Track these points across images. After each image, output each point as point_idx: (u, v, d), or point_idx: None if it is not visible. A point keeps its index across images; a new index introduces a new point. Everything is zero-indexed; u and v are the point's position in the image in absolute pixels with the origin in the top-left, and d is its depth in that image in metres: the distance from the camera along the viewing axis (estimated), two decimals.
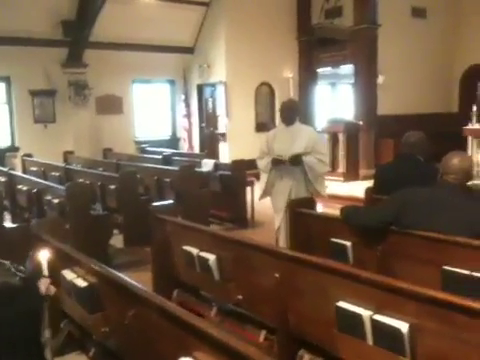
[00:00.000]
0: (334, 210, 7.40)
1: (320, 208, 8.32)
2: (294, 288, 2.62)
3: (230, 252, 3.13)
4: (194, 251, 3.31)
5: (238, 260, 3.08)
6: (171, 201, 4.17)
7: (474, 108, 9.33)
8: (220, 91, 11.89)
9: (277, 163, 4.73)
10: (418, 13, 11.60)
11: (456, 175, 2.98)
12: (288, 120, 4.79)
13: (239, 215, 7.31)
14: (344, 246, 3.36)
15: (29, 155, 9.28)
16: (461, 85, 12.20)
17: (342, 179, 9.97)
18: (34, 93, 10.63)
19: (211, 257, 3.18)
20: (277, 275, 2.67)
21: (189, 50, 12.43)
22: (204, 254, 3.23)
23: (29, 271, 2.47)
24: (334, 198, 8.62)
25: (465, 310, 1.86)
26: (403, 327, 2.03)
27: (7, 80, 10.45)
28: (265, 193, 5.03)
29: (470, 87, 11.84)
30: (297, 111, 4.94)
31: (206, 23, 12.03)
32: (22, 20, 9.66)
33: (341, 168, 10.21)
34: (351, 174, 10.22)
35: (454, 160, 3.02)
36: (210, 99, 12.46)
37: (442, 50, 11.96)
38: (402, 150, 4.07)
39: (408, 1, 11.39)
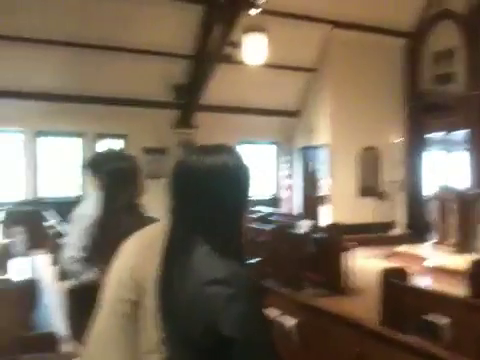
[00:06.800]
0: (439, 283, 6.91)
1: (428, 280, 7.77)
2: None
3: (311, 319, 2.97)
4: (274, 314, 3.18)
5: (319, 328, 2.91)
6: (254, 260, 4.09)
7: None
8: (323, 154, 11.86)
9: None
10: None
11: None
12: None
13: (334, 281, 7.00)
14: (438, 325, 3.04)
15: None
16: None
17: (454, 250, 9.23)
18: (147, 150, 11.30)
19: (291, 322, 3.03)
20: (358, 349, 2.48)
21: (294, 113, 12.65)
22: (285, 318, 3.10)
23: None
24: (441, 271, 8.02)
25: None
26: None
27: (125, 138, 11.29)
28: None
29: None
30: None
31: (311, 87, 12.22)
32: (140, 84, 10.50)
33: (452, 238, 9.49)
34: (464, 246, 9.44)
35: None
36: (313, 161, 12.46)
37: None
38: None
39: None
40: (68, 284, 2.85)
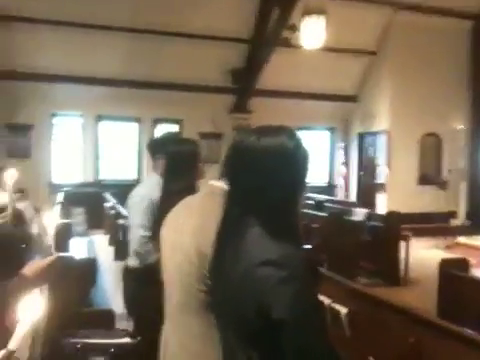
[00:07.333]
0: None
1: None
2: (429, 356, 2.32)
3: (364, 307, 2.91)
4: (326, 301, 3.14)
5: (372, 317, 2.85)
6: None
7: None
8: (382, 140, 11.55)
9: None
10: None
11: None
12: None
13: (390, 271, 6.83)
14: None
15: None
16: None
17: None
18: (203, 135, 11.37)
19: (343, 310, 2.99)
20: (412, 340, 2.40)
21: (352, 98, 12.36)
22: (336, 306, 3.05)
23: None
24: None
25: None
26: None
27: (180, 122, 11.43)
28: None
29: None
30: None
31: (370, 71, 11.89)
32: (197, 69, 10.54)
33: None
34: None
35: None
36: (371, 148, 12.16)
37: None
38: None
39: None
40: (131, 263, 2.88)
